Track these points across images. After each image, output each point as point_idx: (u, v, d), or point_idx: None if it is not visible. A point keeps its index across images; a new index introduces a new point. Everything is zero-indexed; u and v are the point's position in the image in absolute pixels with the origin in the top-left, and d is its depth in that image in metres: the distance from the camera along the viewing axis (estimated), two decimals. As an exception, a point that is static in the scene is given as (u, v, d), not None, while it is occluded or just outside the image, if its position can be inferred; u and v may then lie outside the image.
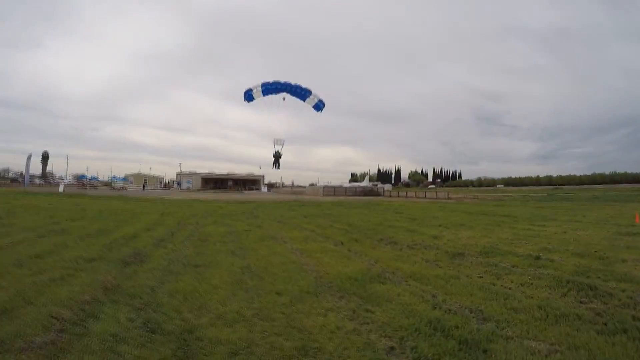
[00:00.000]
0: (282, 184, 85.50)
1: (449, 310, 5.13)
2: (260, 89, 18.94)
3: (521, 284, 6.22)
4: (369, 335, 4.30)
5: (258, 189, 68.61)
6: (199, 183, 74.94)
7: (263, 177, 76.10)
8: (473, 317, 4.87)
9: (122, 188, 55.70)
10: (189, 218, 16.93)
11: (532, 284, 6.20)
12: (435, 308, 5.23)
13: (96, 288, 5.59)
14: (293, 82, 19.78)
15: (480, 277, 6.87)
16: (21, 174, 57.06)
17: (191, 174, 77.57)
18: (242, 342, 3.91)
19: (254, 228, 14.00)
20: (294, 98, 20.05)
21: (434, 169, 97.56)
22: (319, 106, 20.30)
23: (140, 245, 9.44)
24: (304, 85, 19.90)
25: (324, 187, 60.52)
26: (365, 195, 54.43)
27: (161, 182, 77.56)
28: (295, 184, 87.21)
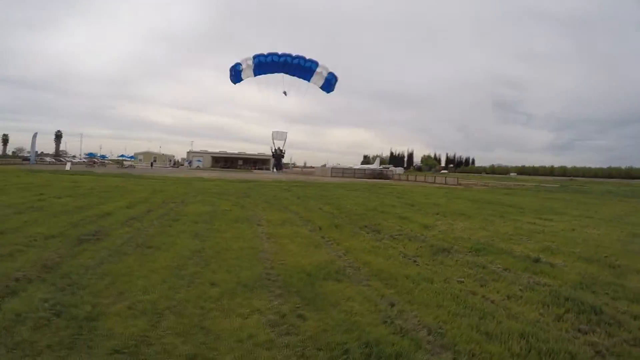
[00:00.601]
0: (294, 164, 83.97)
1: (401, 328, 3.90)
2: (251, 64, 14.73)
3: (508, 297, 4.87)
4: (280, 352, 3.35)
5: (268, 169, 67.12)
6: (209, 162, 73.65)
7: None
8: (428, 343, 3.62)
9: (130, 166, 55.17)
10: (178, 196, 16.08)
11: (521, 297, 4.84)
12: (386, 322, 4.05)
13: (36, 265, 5.39)
14: (294, 54, 15.02)
15: (461, 281, 5.56)
16: (36, 153, 57.20)
17: (202, 153, 76.52)
18: (133, 339, 3.39)
19: (236, 208, 13.15)
20: (297, 80, 15.55)
21: (447, 154, 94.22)
22: (330, 82, 15.44)
23: (107, 223, 8.93)
24: (308, 57, 15.16)
25: (333, 168, 58.95)
26: (374, 177, 52.81)
27: (170, 161, 76.68)
28: (308, 164, 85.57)
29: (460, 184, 36.02)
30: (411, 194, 22.06)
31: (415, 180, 45.94)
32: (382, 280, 5.57)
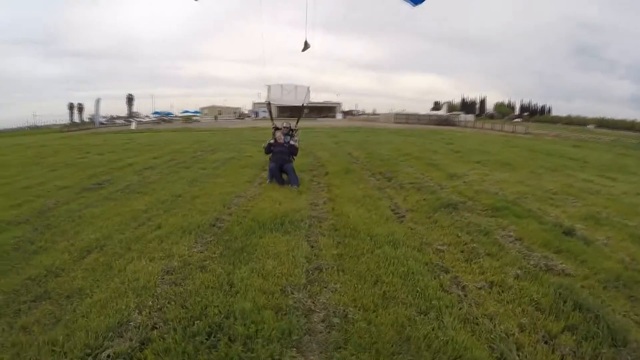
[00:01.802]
0: (362, 111, 79.46)
1: (290, 305, 2.66)
2: None
3: (491, 285, 3.07)
4: (143, 300, 2.82)
5: (333, 116, 63.95)
6: (275, 112, 71.91)
7: (340, 104, 70.01)
8: (305, 333, 2.35)
9: (195, 120, 54.53)
10: (215, 145, 15.63)
11: (510, 289, 2.98)
12: (284, 292, 2.91)
13: (33, 211, 5.48)
14: None
15: (439, 251, 3.88)
16: (110, 117, 59.34)
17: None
18: (48, 271, 3.41)
19: (260, 154, 11.90)
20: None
21: (522, 102, 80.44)
22: None
23: (121, 173, 8.89)
24: None
25: (396, 115, 54.14)
26: (439, 124, 47.57)
27: (235, 113, 75.81)
28: (377, 111, 80.00)
29: (528, 133, 30.66)
30: (464, 141, 18.88)
31: (482, 128, 40.43)
32: (340, 236, 4.25)
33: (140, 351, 2.18)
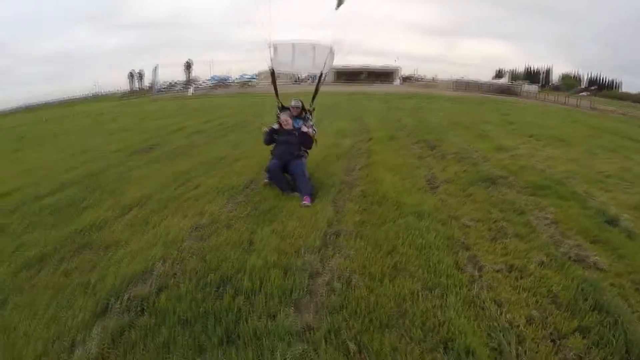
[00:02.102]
0: (421, 77, 74.29)
1: (298, 267, 2.69)
2: None
3: (510, 268, 2.81)
4: (168, 253, 3.02)
5: (391, 82, 60.28)
6: (331, 76, 69.14)
7: (398, 69, 65.61)
8: (305, 294, 2.38)
9: (251, 85, 53.12)
10: (267, 109, 15.50)
11: (530, 275, 2.69)
12: (297, 253, 2.90)
13: (87, 173, 5.89)
14: None
15: (465, 226, 3.64)
16: (168, 84, 57.70)
17: (325, 68, 70.54)
18: (92, 225, 3.70)
19: None
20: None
21: (589, 75, 68.86)
22: None
23: (171, 137, 9.16)
24: None
25: (455, 82, 50.10)
26: (500, 93, 43.44)
27: (291, 78, 73.69)
28: (438, 77, 73.81)
29: (593, 109, 26.76)
30: (520, 113, 17.01)
31: (544, 99, 36.15)
32: (366, 203, 4.17)
33: (156, 296, 2.38)
